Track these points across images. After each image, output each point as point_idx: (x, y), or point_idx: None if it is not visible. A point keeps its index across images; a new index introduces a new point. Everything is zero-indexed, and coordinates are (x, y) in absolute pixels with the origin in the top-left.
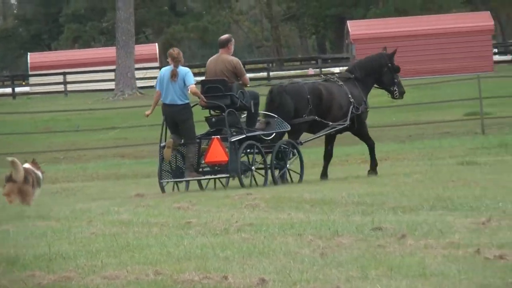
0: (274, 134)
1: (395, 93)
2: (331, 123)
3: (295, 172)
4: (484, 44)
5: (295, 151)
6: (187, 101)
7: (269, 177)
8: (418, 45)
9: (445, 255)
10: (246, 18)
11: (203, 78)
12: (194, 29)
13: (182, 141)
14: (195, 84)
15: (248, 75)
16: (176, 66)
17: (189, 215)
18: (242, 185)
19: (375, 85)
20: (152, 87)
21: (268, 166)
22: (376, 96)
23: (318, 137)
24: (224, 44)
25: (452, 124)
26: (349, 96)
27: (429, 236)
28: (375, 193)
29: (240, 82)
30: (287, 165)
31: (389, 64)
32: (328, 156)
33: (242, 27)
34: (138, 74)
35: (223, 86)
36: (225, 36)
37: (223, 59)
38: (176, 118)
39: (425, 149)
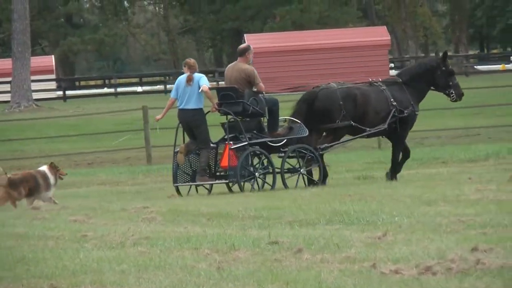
0: (285, 140)
1: (452, 96)
2: (368, 129)
3: (309, 177)
4: (380, 58)
5: (313, 156)
6: (201, 107)
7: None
8: (315, 59)
9: (341, 269)
10: (143, 31)
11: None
12: (91, 41)
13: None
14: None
15: (145, 88)
16: (192, 73)
17: (85, 228)
18: (241, 189)
19: (432, 88)
20: (49, 99)
21: (278, 170)
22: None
23: (341, 143)
24: (242, 53)
25: None
26: (391, 100)
27: (326, 250)
28: (272, 207)
29: (255, 89)
30: (301, 170)
31: (443, 68)
32: (406, 154)
33: (139, 40)
34: (34, 86)
35: (234, 93)
36: (244, 45)
37: (239, 67)
38: (189, 123)
39: None
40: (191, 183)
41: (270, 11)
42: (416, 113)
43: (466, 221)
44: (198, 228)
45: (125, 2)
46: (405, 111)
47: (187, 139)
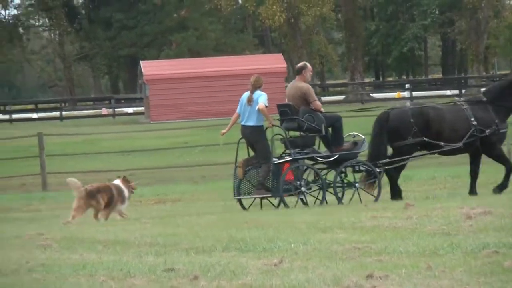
0: (338, 155)
1: None
2: (442, 143)
3: (369, 193)
4: (277, 86)
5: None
6: (259, 124)
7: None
8: (212, 86)
9: None
10: (39, 57)
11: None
12: None
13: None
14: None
15: (41, 114)
16: (252, 92)
17: None
18: (285, 205)
19: None
20: None
21: (330, 185)
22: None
23: (403, 158)
24: (299, 71)
25: None
26: (471, 119)
27: (222, 277)
28: (168, 234)
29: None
30: (357, 185)
31: None
32: (474, 174)
33: (34, 67)
34: None
35: (290, 110)
36: (301, 64)
37: (296, 85)
38: (249, 139)
39: (219, 190)
40: (247, 197)
41: (166, 38)
42: (502, 131)
43: (361, 248)
44: (94, 255)
45: (20, 29)
46: (487, 131)
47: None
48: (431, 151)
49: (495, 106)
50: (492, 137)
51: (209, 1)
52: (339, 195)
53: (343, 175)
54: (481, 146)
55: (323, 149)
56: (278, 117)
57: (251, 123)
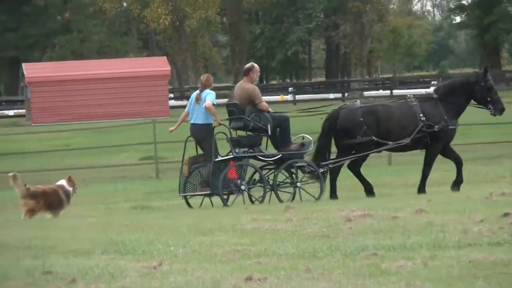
0: (281, 155)
1: (491, 111)
2: (391, 142)
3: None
4: (160, 89)
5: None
6: (207, 122)
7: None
8: (95, 89)
9: None
10: None
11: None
12: None
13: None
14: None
15: None
16: (201, 91)
17: None
18: (224, 203)
19: (474, 104)
20: None
21: (270, 184)
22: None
23: (346, 159)
24: (246, 72)
25: (128, 168)
26: (420, 115)
27: (100, 280)
28: (47, 237)
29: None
30: (299, 185)
31: (482, 83)
32: (458, 163)
33: None
34: None
35: (236, 109)
36: (248, 65)
37: (243, 86)
38: (197, 137)
39: (100, 193)
40: (191, 194)
41: (50, 41)
42: (451, 127)
43: (241, 251)
44: None
45: None
46: (436, 126)
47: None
48: (379, 149)
49: (445, 103)
50: (440, 133)
51: (93, 3)
52: (290, 195)
53: (292, 175)
54: (430, 142)
55: (272, 150)
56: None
57: (199, 121)
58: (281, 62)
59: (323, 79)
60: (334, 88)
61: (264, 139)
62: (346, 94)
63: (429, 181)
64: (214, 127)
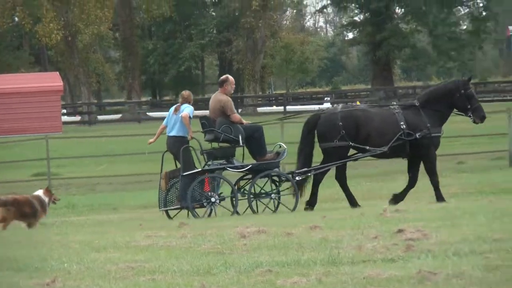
0: (250, 166)
1: (471, 118)
2: (368, 147)
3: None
4: (53, 104)
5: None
6: (182, 135)
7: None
8: None
9: None
10: None
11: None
12: None
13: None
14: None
15: None
16: (181, 104)
17: None
18: (193, 216)
19: (456, 112)
20: None
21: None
22: None
23: (322, 167)
24: (221, 84)
25: (20, 184)
26: (401, 123)
27: None
28: None
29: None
30: (273, 196)
31: (462, 91)
32: (412, 183)
33: None
34: None
35: (207, 121)
36: (223, 77)
37: (216, 98)
38: (172, 150)
39: None
40: (173, 208)
41: None
42: (433, 135)
43: (135, 267)
44: None
45: None
46: (417, 134)
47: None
48: (357, 156)
49: (427, 111)
50: (424, 140)
51: None
52: (272, 204)
53: (272, 184)
54: (412, 150)
55: (251, 160)
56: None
57: (174, 133)
58: (174, 78)
59: None
60: None
61: (242, 149)
62: (239, 110)
63: (324, 197)
64: (188, 140)
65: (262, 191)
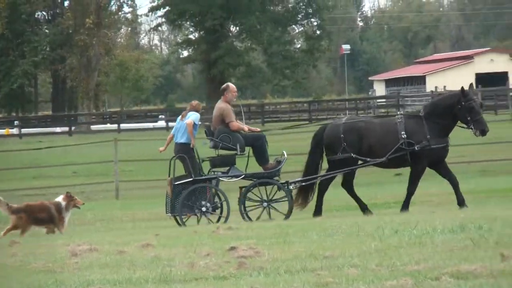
0: (243, 175)
1: (473, 131)
2: (368, 159)
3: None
4: None
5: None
6: (187, 142)
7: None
8: None
9: None
10: None
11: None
12: None
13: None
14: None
15: None
16: (188, 111)
17: None
18: (180, 224)
19: (459, 124)
20: None
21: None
22: None
23: (315, 177)
24: (222, 92)
25: None
26: (402, 133)
27: None
28: None
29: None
30: (265, 204)
31: (462, 103)
32: (453, 182)
33: None
34: None
35: (208, 130)
36: (224, 85)
37: (217, 106)
38: (178, 156)
39: None
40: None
41: None
42: (434, 146)
43: None
44: None
45: None
46: (416, 146)
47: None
48: (357, 166)
49: (430, 122)
50: (422, 152)
51: None
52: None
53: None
54: (412, 160)
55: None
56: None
57: (180, 140)
58: (7, 95)
59: (50, 112)
60: (61, 122)
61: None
62: (73, 128)
63: (159, 216)
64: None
65: (258, 198)
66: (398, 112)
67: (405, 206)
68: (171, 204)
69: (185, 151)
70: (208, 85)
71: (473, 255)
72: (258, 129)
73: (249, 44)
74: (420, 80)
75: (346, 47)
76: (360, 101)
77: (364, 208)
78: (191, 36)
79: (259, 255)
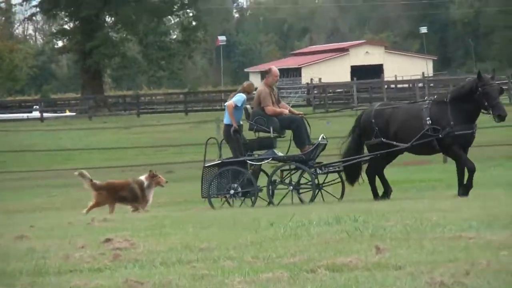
0: (270, 158)
1: (492, 117)
2: (395, 143)
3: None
4: None
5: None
6: (228, 123)
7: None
8: None
9: None
10: None
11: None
12: None
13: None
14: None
15: None
16: (237, 92)
17: None
18: (212, 206)
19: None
20: None
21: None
22: None
23: (340, 161)
24: (264, 75)
25: None
26: (426, 119)
27: None
28: None
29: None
30: (292, 188)
31: (479, 88)
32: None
33: None
34: None
35: (245, 112)
36: (267, 68)
37: (258, 88)
38: (223, 137)
39: None
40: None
41: None
42: (457, 133)
43: None
44: None
45: None
46: (441, 132)
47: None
48: (386, 150)
49: (454, 107)
50: (446, 138)
51: None
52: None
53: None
54: (439, 147)
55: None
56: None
57: (225, 121)
58: None
59: None
60: None
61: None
62: None
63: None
64: (234, 128)
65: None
66: (426, 98)
67: (469, 184)
68: (202, 187)
69: (227, 133)
70: (83, 76)
71: (348, 247)
72: (300, 112)
73: (124, 35)
74: (296, 72)
75: (222, 38)
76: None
77: (387, 192)
78: (66, 26)
79: (135, 247)
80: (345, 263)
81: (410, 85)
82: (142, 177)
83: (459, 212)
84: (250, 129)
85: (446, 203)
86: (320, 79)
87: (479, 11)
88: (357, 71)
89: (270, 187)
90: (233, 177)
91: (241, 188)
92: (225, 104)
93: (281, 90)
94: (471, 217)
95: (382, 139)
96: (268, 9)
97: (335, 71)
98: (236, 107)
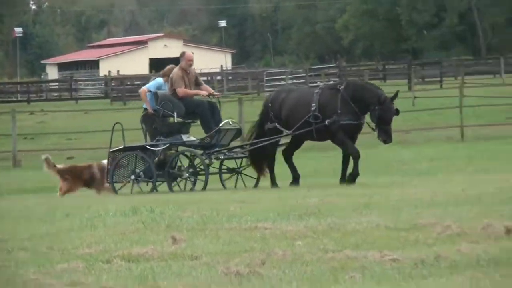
0: (168, 145)
1: (376, 135)
2: (285, 131)
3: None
4: None
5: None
6: (145, 107)
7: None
8: None
9: None
10: None
11: None
12: None
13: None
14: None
15: None
16: (157, 77)
17: None
18: (115, 191)
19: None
20: None
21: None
22: None
23: (235, 147)
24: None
25: None
26: (312, 105)
27: None
28: None
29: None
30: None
31: (376, 107)
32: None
33: None
34: None
35: (155, 97)
36: (181, 52)
37: (172, 72)
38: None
39: None
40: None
41: None
42: (342, 122)
43: None
44: None
45: None
46: (327, 121)
47: None
48: (274, 137)
49: (349, 96)
50: (332, 125)
51: None
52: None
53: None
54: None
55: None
56: None
57: (143, 106)
58: None
59: None
60: None
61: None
62: None
63: None
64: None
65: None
66: (319, 82)
67: (355, 172)
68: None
69: (144, 118)
70: None
71: (144, 238)
72: (218, 93)
73: None
74: (93, 64)
75: (18, 30)
76: (32, 84)
77: (295, 178)
78: None
79: None
80: (141, 254)
81: (209, 78)
82: (105, 161)
83: (258, 203)
84: (157, 113)
85: (245, 194)
86: (118, 71)
87: (277, 6)
88: (156, 64)
89: (169, 172)
90: (136, 163)
91: (144, 174)
92: (139, 91)
93: (79, 82)
94: (269, 208)
95: (277, 124)
96: (66, 1)
97: (134, 64)
98: (150, 92)
